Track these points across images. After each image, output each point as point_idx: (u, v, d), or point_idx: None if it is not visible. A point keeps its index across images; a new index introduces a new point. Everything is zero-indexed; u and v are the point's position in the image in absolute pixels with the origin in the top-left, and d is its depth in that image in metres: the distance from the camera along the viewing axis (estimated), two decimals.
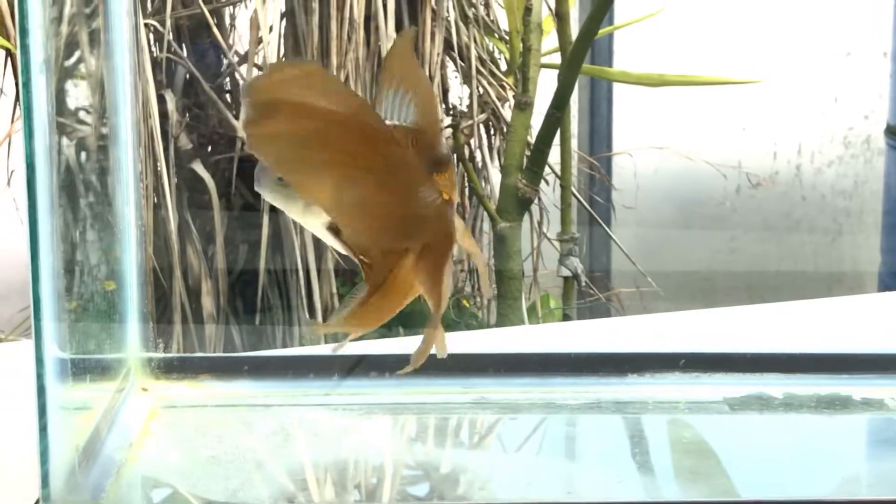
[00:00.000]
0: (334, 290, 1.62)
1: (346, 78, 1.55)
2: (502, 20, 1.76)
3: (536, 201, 1.71)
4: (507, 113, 1.73)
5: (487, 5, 1.77)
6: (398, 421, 0.81)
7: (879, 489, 0.74)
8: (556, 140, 1.56)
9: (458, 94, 1.75)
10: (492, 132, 1.78)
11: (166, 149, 1.55)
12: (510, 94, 1.74)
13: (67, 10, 0.71)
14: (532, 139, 1.57)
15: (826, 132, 2.36)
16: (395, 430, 0.81)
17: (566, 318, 1.75)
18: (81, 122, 0.76)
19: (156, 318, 1.57)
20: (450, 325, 1.62)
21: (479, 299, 1.83)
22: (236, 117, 1.60)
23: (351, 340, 0.70)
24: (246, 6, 1.66)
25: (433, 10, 1.64)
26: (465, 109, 1.73)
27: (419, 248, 0.62)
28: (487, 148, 1.77)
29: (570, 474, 0.76)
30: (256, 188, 0.63)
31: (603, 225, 1.98)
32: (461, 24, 1.69)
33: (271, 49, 1.58)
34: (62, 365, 0.64)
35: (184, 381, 0.82)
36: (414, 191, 0.60)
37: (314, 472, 0.74)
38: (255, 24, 1.59)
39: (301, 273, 1.60)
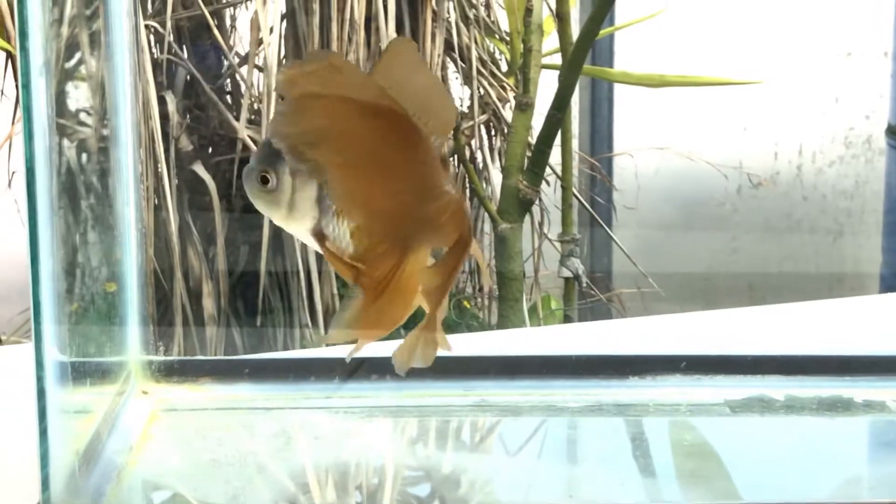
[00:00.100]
0: (335, 292, 1.62)
1: None
2: (503, 21, 1.76)
3: (537, 202, 1.71)
4: (507, 114, 1.72)
5: (488, 6, 1.77)
6: (399, 424, 0.81)
7: (881, 492, 0.74)
8: (557, 141, 1.55)
9: (459, 94, 1.75)
10: (493, 133, 1.77)
11: (167, 150, 1.55)
12: (511, 94, 1.74)
13: (68, 12, 0.70)
14: (533, 140, 1.56)
15: (827, 132, 2.36)
16: (396, 433, 0.80)
17: (567, 318, 1.74)
18: (82, 123, 0.76)
19: (156, 319, 1.57)
20: (451, 326, 1.62)
21: (479, 300, 1.83)
22: (237, 118, 1.60)
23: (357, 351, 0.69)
24: (246, 7, 1.66)
25: (434, 11, 1.64)
26: (466, 110, 1.73)
27: (427, 242, 0.62)
28: (488, 149, 1.77)
29: (572, 477, 0.76)
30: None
31: (604, 226, 1.98)
32: (462, 24, 1.69)
33: (272, 50, 1.58)
34: (62, 368, 0.64)
35: (184, 384, 0.82)
36: (435, 183, 0.60)
37: (315, 475, 0.74)
38: (255, 26, 1.59)
39: (302, 274, 1.60)
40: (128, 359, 0.80)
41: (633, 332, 1.10)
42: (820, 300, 1.15)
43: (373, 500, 0.71)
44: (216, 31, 1.59)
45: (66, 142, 0.71)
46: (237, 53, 1.69)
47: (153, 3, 1.61)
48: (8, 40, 1.50)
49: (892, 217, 2.16)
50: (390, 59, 0.63)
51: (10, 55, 1.56)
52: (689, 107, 2.20)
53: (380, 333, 0.64)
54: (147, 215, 1.52)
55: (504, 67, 1.79)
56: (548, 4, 1.65)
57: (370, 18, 1.58)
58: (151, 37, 1.59)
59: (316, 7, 1.56)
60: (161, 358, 0.82)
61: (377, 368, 0.81)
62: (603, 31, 1.65)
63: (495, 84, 1.73)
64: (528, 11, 1.52)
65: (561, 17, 1.57)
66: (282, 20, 1.63)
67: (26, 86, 0.60)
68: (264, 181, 0.63)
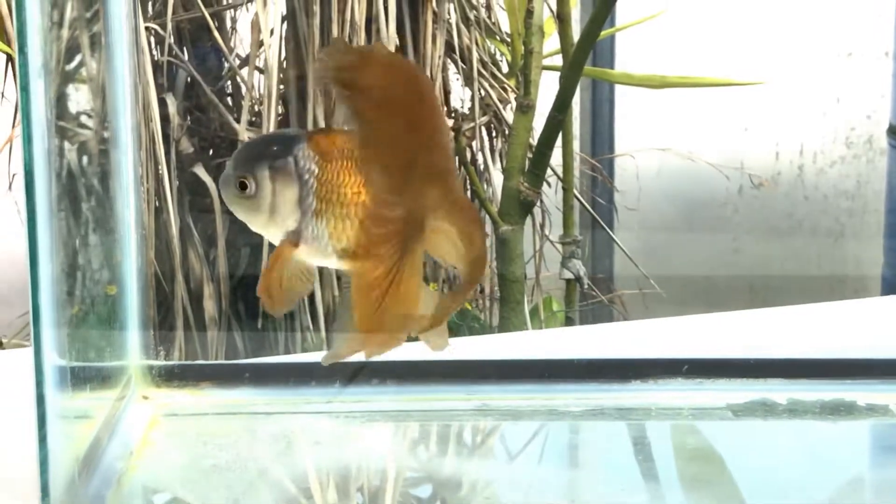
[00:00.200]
0: (336, 293, 1.61)
1: None
2: (504, 22, 1.75)
3: (538, 204, 1.71)
4: (508, 115, 1.72)
5: (489, 7, 1.77)
6: (400, 428, 0.81)
7: (884, 496, 0.73)
8: (558, 142, 1.55)
9: (460, 96, 1.75)
10: (493, 135, 1.77)
11: (167, 152, 1.55)
12: (512, 96, 1.74)
13: (68, 15, 0.70)
14: (534, 141, 1.56)
15: (828, 132, 2.36)
16: (398, 438, 0.80)
17: (568, 320, 1.74)
18: (82, 125, 0.75)
19: (157, 323, 1.56)
20: (452, 329, 1.62)
21: (481, 301, 1.83)
22: (238, 120, 1.60)
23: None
24: (247, 9, 1.66)
25: (434, 13, 1.63)
26: (467, 112, 1.73)
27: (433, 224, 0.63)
28: (489, 150, 1.77)
29: (573, 481, 0.76)
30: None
31: (605, 227, 1.98)
32: (463, 26, 1.69)
33: (272, 52, 1.58)
34: (62, 373, 0.64)
35: (185, 388, 0.82)
36: (447, 153, 0.64)
37: (316, 479, 0.74)
38: (256, 27, 1.59)
39: None
40: (128, 363, 0.80)
41: (634, 335, 1.09)
42: (822, 303, 1.15)
43: None
44: (216, 33, 1.59)
45: (66, 144, 0.70)
46: (237, 55, 1.69)
47: (153, 4, 1.61)
48: (8, 43, 1.50)
49: (893, 217, 2.16)
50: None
51: (10, 58, 1.56)
52: (690, 108, 2.19)
53: (382, 345, 0.64)
54: (148, 218, 1.52)
55: (505, 69, 1.79)
56: (549, 6, 1.65)
57: (371, 20, 1.58)
58: (152, 39, 1.59)
59: (316, 9, 1.56)
60: (161, 362, 0.82)
61: (378, 373, 0.81)
62: (604, 33, 1.65)
63: (496, 85, 1.73)
64: (529, 13, 1.52)
65: (562, 19, 1.57)
66: (282, 22, 1.62)
67: (25, 88, 0.60)
68: (243, 187, 0.63)
